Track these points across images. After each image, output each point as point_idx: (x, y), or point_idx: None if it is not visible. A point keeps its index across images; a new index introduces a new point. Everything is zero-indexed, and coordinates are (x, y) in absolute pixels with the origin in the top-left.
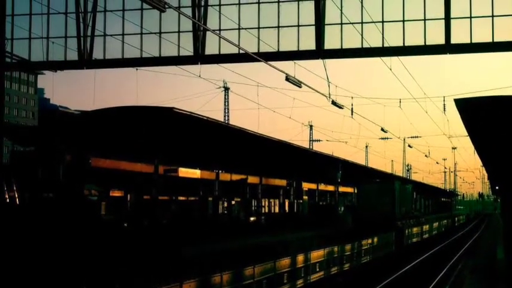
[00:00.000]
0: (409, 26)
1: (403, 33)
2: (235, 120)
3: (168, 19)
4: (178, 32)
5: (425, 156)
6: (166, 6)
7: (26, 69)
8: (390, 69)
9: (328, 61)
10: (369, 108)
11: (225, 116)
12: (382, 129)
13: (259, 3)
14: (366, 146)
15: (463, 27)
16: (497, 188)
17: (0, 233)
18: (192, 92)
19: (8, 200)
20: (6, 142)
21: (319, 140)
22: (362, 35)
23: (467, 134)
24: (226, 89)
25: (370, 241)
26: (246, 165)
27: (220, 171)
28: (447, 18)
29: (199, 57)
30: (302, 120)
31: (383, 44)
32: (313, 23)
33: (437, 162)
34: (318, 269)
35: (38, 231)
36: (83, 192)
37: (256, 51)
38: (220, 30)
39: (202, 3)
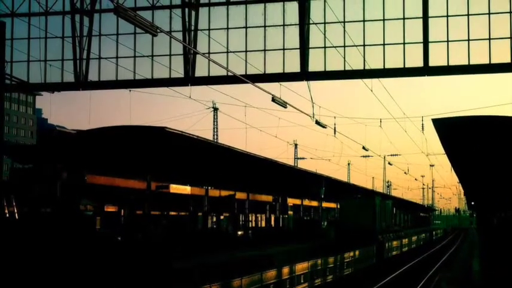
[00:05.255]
0: (389, 50)
1: (384, 56)
2: (223, 139)
3: (160, 43)
4: (170, 55)
5: (405, 173)
6: (158, 30)
7: (24, 91)
8: (371, 91)
9: (312, 83)
10: (351, 128)
11: (214, 135)
12: (364, 148)
13: (246, 27)
14: (348, 164)
15: (441, 51)
16: (472, 203)
17: (0, 246)
18: (183, 112)
19: (7, 215)
20: (6, 160)
21: (304, 158)
22: (344, 58)
23: (444, 152)
24: (215, 109)
25: (352, 254)
26: (234, 182)
27: (209, 188)
28: (425, 42)
29: (190, 79)
30: (287, 139)
31: (364, 67)
32: (298, 46)
33: (415, 179)
34: (302, 281)
35: (37, 244)
36: (79, 208)
37: (244, 73)
38: (209, 53)
39: (193, 28)
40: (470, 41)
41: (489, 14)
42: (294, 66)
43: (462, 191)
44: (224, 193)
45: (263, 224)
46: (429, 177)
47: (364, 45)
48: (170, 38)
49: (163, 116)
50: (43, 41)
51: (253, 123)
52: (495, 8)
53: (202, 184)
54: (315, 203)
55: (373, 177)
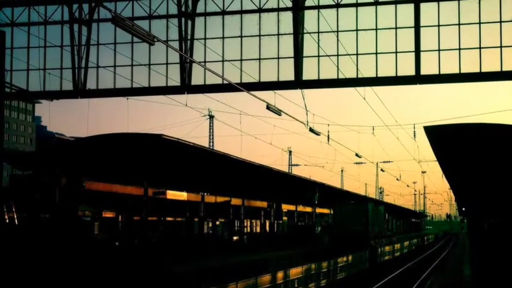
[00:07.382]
0: (382, 58)
1: (376, 65)
2: (219, 146)
3: (157, 52)
4: (167, 63)
5: (397, 179)
6: (155, 39)
7: (24, 99)
8: (364, 99)
9: (306, 91)
10: (344, 135)
11: (209, 142)
12: (357, 155)
13: (241, 37)
14: (341, 170)
15: (432, 59)
16: (463, 209)
17: (0, 251)
18: (179, 119)
19: (7, 221)
20: (5, 166)
21: (298, 165)
22: (338, 67)
23: (435, 159)
24: (211, 117)
25: (345, 259)
26: (230, 188)
27: (205, 194)
28: (417, 51)
29: (186, 87)
30: (282, 146)
31: (357, 75)
32: (292, 55)
33: (407, 185)
34: (296, 285)
35: (36, 249)
36: (77, 213)
37: (239, 81)
38: (205, 62)
39: (189, 37)
40: (461, 50)
41: (479, 23)
42: (288, 74)
43: (453, 197)
44: (220, 199)
45: (258, 230)
46: (421, 184)
47: (357, 54)
48: (167, 47)
49: (160, 124)
50: (42, 50)
51: (248, 131)
52: (485, 18)
53: (198, 190)
54: (309, 209)
55: (365, 184)
